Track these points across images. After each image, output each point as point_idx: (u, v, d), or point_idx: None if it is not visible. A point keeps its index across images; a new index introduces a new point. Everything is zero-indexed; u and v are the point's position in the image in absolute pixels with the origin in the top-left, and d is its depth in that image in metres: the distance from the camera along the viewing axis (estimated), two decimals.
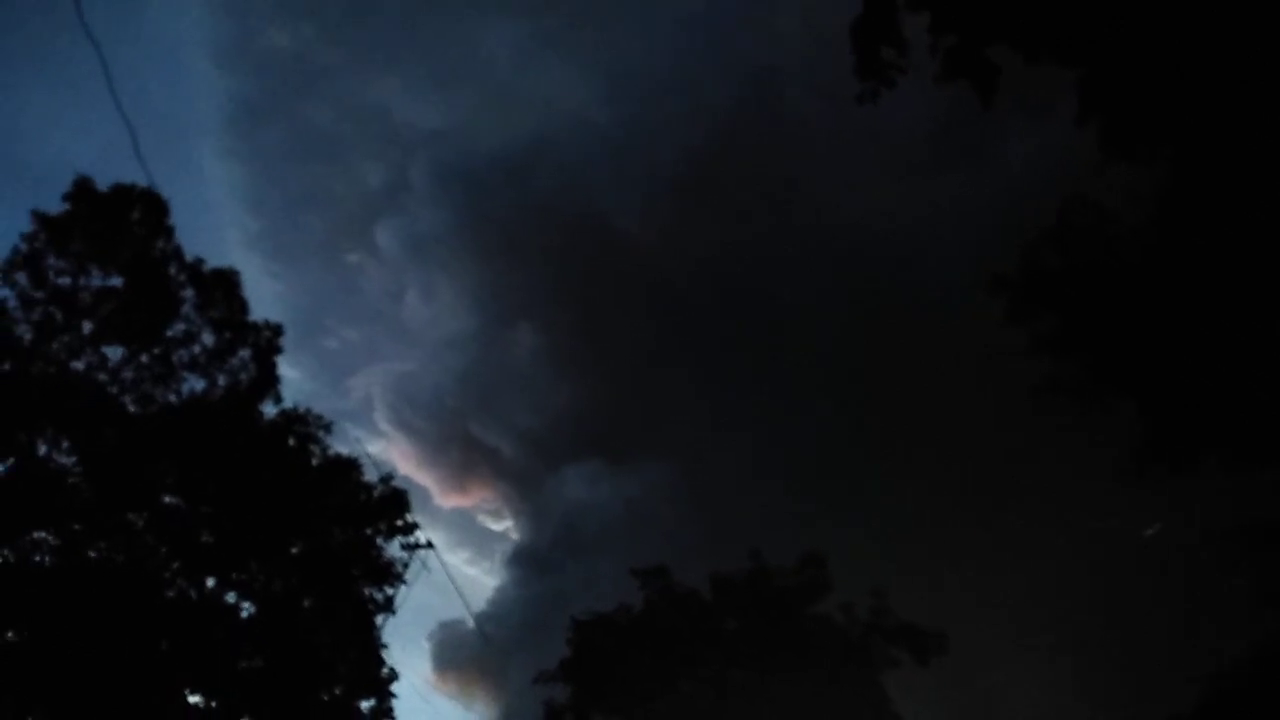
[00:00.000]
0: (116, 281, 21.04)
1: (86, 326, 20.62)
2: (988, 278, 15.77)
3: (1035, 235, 15.17)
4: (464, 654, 72.54)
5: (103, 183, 20.86)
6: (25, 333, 19.94)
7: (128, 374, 21.01)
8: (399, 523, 23.98)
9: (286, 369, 23.32)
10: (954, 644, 39.72)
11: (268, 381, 22.42)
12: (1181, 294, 13.28)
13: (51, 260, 20.34)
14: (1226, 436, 14.67)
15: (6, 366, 19.59)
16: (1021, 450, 55.82)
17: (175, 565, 20.81)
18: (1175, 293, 13.36)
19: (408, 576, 24.22)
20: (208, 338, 21.87)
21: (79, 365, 20.49)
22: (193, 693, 20.86)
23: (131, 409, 20.89)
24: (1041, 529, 59.09)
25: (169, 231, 21.48)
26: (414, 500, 24.64)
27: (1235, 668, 20.70)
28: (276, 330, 22.60)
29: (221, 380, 21.96)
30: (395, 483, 24.17)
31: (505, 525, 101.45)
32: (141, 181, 21.15)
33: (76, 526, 19.77)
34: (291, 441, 22.53)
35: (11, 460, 19.46)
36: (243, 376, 22.16)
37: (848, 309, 76.25)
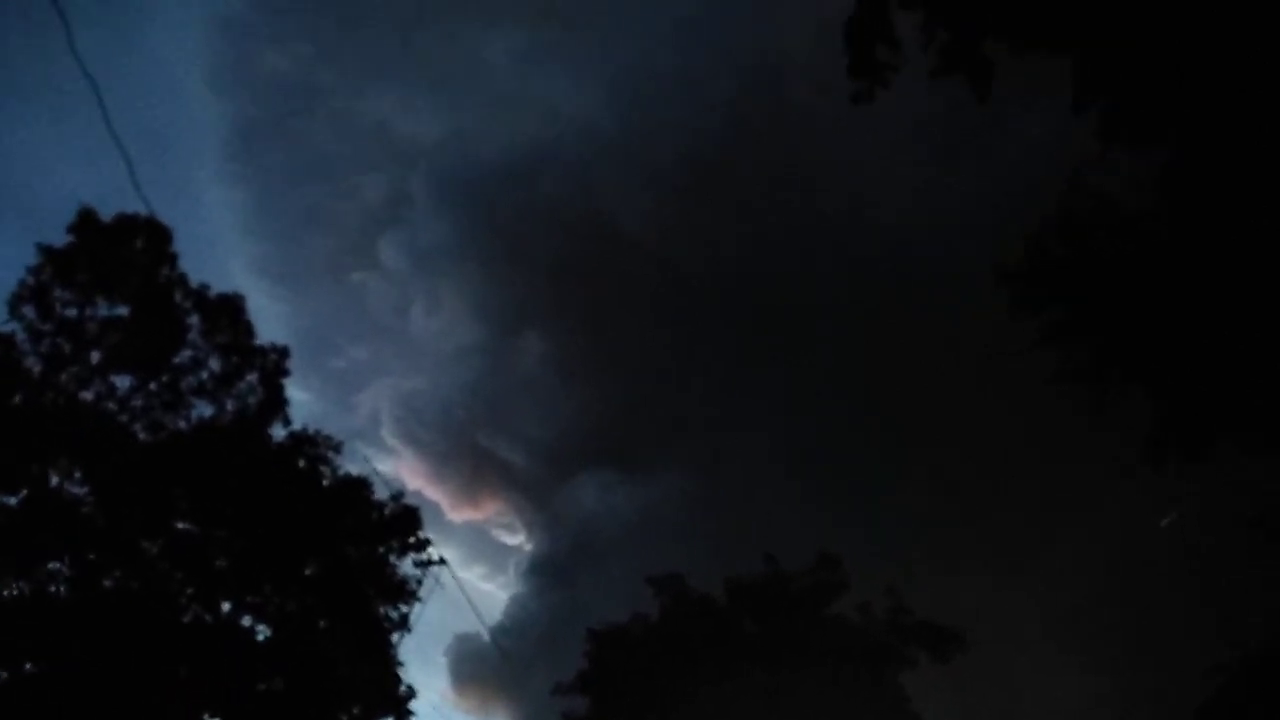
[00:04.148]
0: (123, 311, 21.17)
1: (94, 356, 20.73)
2: (991, 270, 15.72)
3: (1038, 224, 15.12)
4: (482, 668, 72.39)
5: (106, 212, 21.03)
6: (34, 365, 20.05)
7: (137, 402, 21.10)
8: (411, 540, 23.99)
9: (294, 391, 23.42)
10: (975, 642, 39.50)
11: (276, 404, 22.50)
12: (1190, 278, 13.23)
13: (58, 292, 20.48)
14: (1241, 421, 14.58)
15: (17, 399, 19.68)
16: (1033, 446, 55.60)
17: (190, 590, 20.85)
18: (1183, 277, 13.31)
19: (422, 593, 24.23)
20: (215, 363, 21.98)
21: (88, 395, 20.59)
22: (212, 717, 20.89)
23: (141, 437, 20.99)
24: (1056, 525, 58.82)
25: (173, 259, 21.62)
26: (425, 516, 24.69)
27: (1252, 658, 20.49)
28: (283, 353, 22.71)
29: (230, 405, 22.06)
30: (406, 499, 24.24)
31: (519, 539, 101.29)
32: (143, 210, 21.28)
33: (91, 556, 19.82)
34: (301, 463, 22.58)
35: (25, 492, 19.54)
36: (251, 400, 22.25)
37: (857, 307, 76.13)
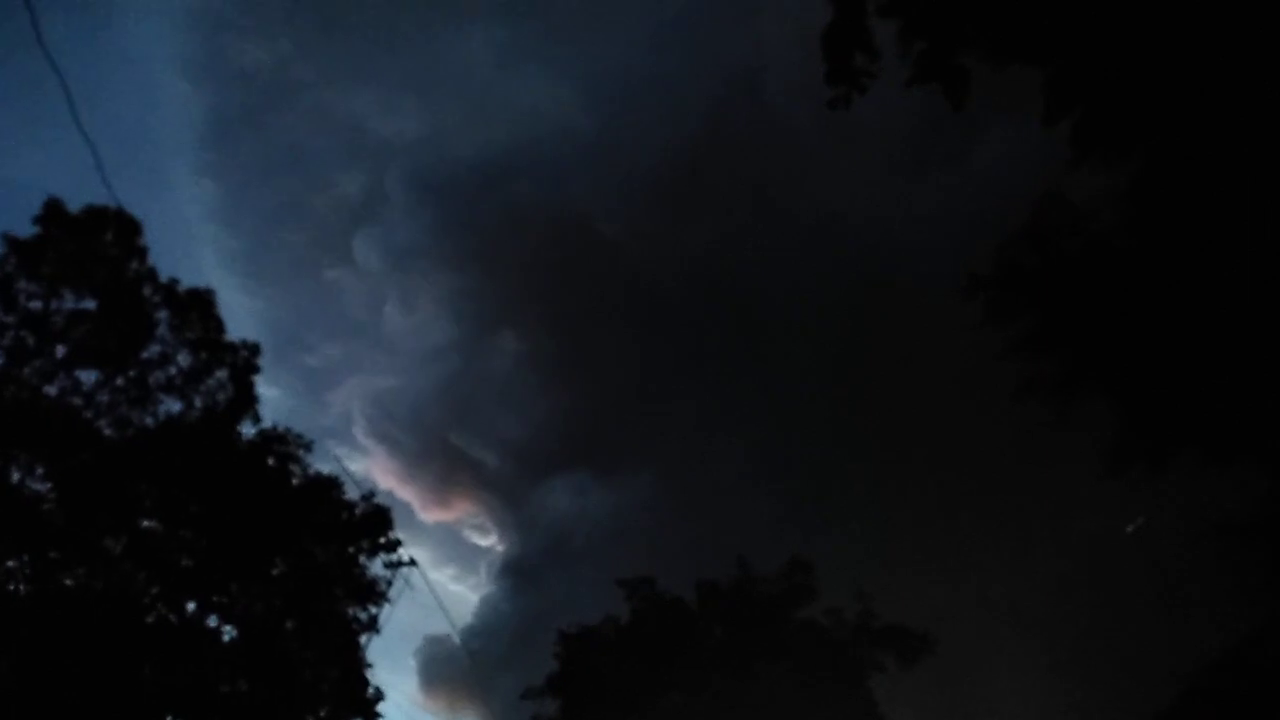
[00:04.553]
0: (90, 304, 20.81)
1: (59, 350, 20.36)
2: (964, 278, 15.89)
3: (1009, 235, 15.31)
4: (451, 669, 72.10)
5: (75, 205, 20.68)
6: None
7: (102, 397, 20.74)
8: (381, 540, 23.81)
9: (265, 387, 23.21)
10: (944, 646, 39.82)
11: (245, 401, 22.22)
12: (1157, 290, 13.43)
13: (22, 284, 20.08)
14: (1203, 432, 14.82)
15: None
16: (1008, 451, 56.19)
17: (154, 590, 20.53)
18: (1150, 290, 13.51)
19: (391, 594, 24.05)
20: (184, 359, 21.67)
21: (52, 390, 20.21)
22: (176, 718, 20.56)
23: (107, 433, 20.63)
24: (1030, 529, 59.46)
25: (142, 252, 21.30)
26: (396, 516, 24.56)
27: (1214, 664, 20.88)
28: (254, 349, 22.44)
29: (198, 401, 21.75)
30: (377, 499, 24.07)
31: (490, 540, 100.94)
32: (115, 203, 20.95)
33: (52, 554, 19.45)
34: (271, 461, 22.32)
35: None
36: (220, 397, 21.95)
37: (833, 311, 76.59)
